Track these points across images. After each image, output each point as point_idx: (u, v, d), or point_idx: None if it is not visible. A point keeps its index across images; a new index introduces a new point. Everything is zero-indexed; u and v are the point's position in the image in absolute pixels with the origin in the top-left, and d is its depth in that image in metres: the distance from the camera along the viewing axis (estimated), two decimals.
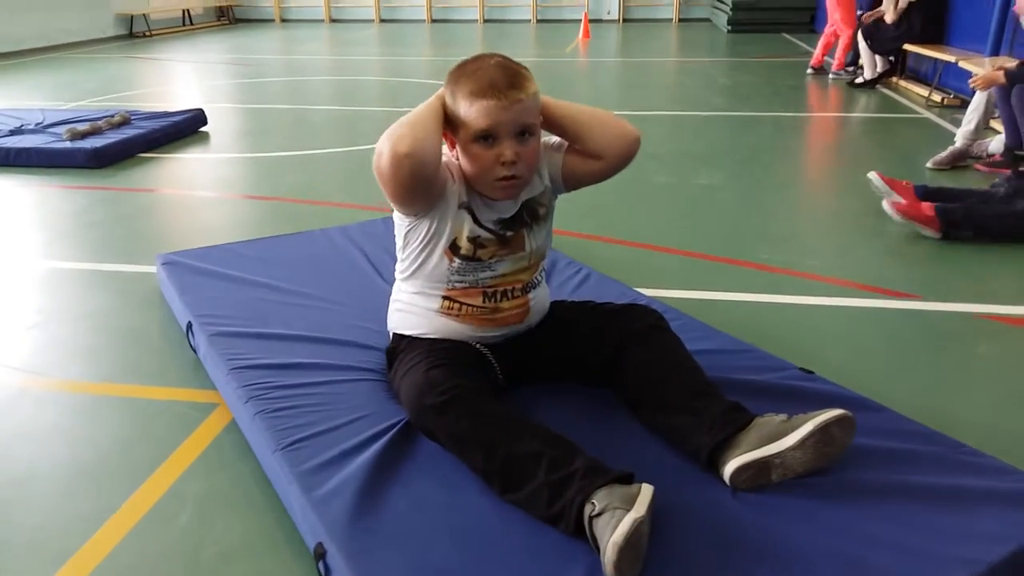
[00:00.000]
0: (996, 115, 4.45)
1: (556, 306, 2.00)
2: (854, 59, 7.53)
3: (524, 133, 1.66)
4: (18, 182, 4.40)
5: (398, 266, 1.89)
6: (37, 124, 5.28)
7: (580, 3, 14.71)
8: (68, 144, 4.72)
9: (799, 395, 1.86)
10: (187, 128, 5.44)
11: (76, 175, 4.48)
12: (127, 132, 5.02)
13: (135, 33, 12.98)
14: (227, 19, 15.76)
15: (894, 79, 7.11)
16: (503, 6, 15.27)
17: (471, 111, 1.63)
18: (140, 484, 1.79)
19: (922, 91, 6.49)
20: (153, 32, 13.18)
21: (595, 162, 1.79)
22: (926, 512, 1.51)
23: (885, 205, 3.30)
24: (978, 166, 4.34)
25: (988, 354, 2.37)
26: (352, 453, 1.67)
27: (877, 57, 7.05)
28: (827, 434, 1.55)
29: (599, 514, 1.37)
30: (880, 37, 6.90)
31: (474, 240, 1.75)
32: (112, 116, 5.31)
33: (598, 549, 1.36)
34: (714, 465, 1.60)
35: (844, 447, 1.60)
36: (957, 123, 4.49)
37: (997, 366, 2.30)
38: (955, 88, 6.16)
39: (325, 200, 3.98)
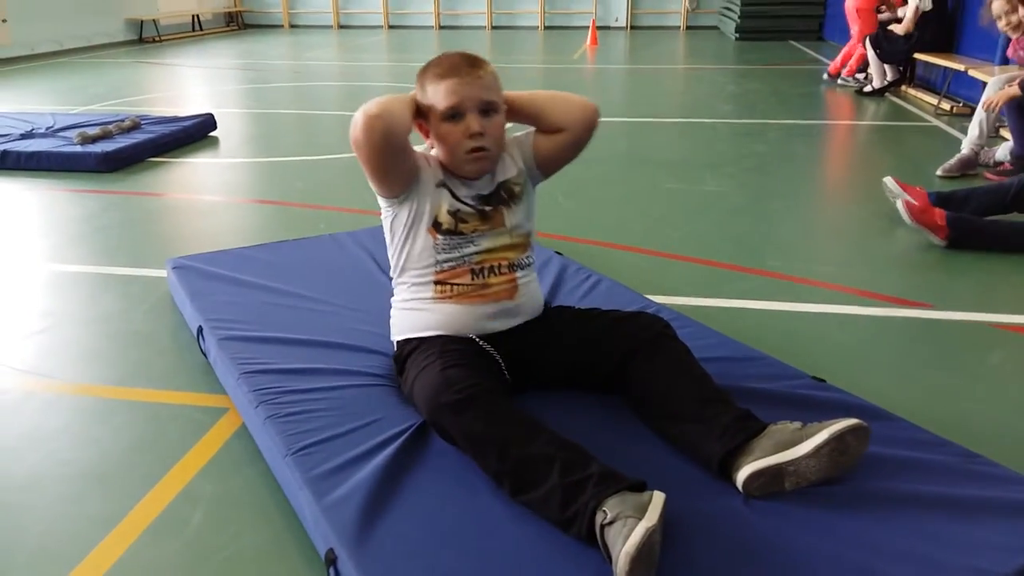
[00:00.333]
0: (1004, 122, 4.43)
1: (561, 310, 2.04)
2: (864, 67, 7.51)
3: (488, 111, 1.80)
4: (29, 185, 4.42)
5: (392, 265, 1.96)
6: (48, 128, 5.31)
7: (588, 10, 14.72)
8: (79, 148, 4.74)
9: (811, 403, 1.86)
10: (197, 133, 5.45)
11: (86, 179, 4.50)
12: (137, 136, 5.04)
13: (145, 38, 13.04)
14: (236, 25, 15.82)
15: (903, 87, 7.10)
16: (511, 12, 15.29)
17: (439, 91, 1.78)
18: (150, 489, 1.79)
19: (931, 99, 6.48)
20: (163, 37, 13.23)
21: (560, 136, 1.92)
22: (937, 522, 1.50)
23: (899, 205, 3.29)
24: (987, 175, 4.33)
25: (1000, 363, 2.36)
26: (363, 458, 1.67)
27: (886, 66, 7.04)
28: (842, 443, 1.54)
29: (611, 522, 1.37)
30: (889, 47, 6.89)
31: (454, 214, 1.85)
32: (122, 120, 5.33)
33: (610, 558, 1.35)
34: (726, 472, 1.60)
35: (858, 456, 1.59)
36: (966, 131, 4.48)
37: (1009, 375, 2.29)
38: (964, 97, 6.15)
39: (334, 205, 3.98)
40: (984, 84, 4.73)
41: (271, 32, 14.93)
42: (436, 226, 1.85)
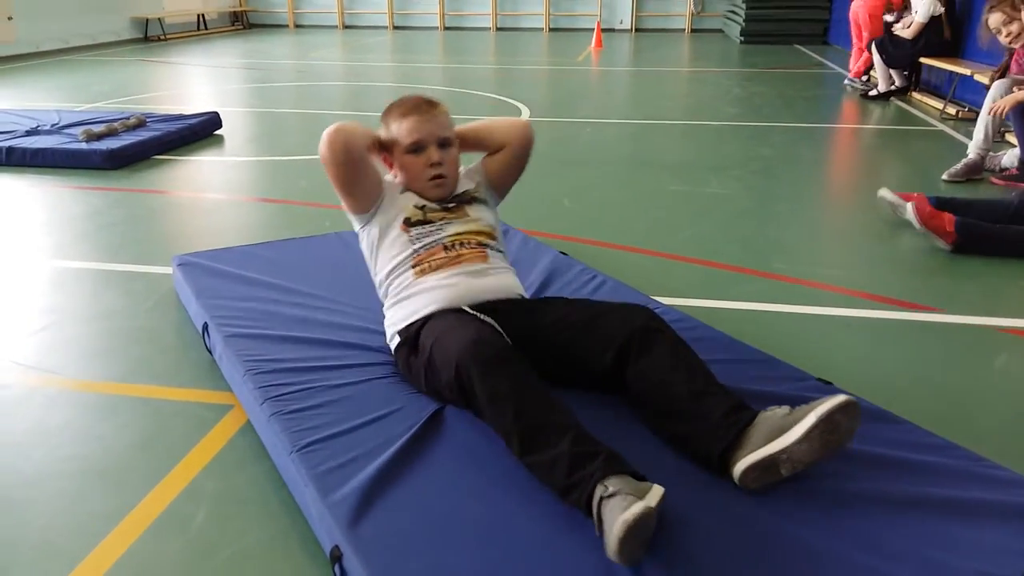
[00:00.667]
0: (1009, 127, 4.43)
1: (550, 298, 2.23)
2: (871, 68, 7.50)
3: (444, 144, 2.10)
4: (34, 182, 4.43)
5: (377, 283, 2.13)
6: (53, 125, 5.31)
7: (592, 12, 14.73)
8: (84, 145, 4.75)
9: None
10: (202, 131, 5.46)
11: (91, 176, 4.51)
12: (142, 134, 5.05)
13: (150, 37, 13.05)
14: (241, 24, 15.84)
15: (909, 92, 7.08)
16: (515, 14, 15.31)
17: (402, 127, 2.09)
18: (154, 485, 1.79)
19: (936, 104, 6.47)
20: (168, 36, 13.25)
21: (503, 153, 2.23)
22: (943, 524, 1.50)
23: (909, 209, 3.28)
24: (994, 180, 4.32)
25: (1006, 367, 2.36)
26: (369, 455, 1.67)
27: (893, 71, 7.03)
28: (831, 423, 1.55)
29: (611, 496, 1.40)
30: (895, 51, 6.89)
31: (422, 208, 2.09)
32: (128, 118, 5.34)
33: (602, 532, 1.39)
34: (723, 468, 1.61)
35: (851, 434, 1.59)
36: (972, 136, 4.47)
37: (1015, 379, 2.29)
38: (970, 101, 6.14)
39: (338, 204, 3.97)
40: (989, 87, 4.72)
41: (276, 32, 14.95)
42: (406, 222, 2.07)
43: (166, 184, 4.44)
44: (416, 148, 2.08)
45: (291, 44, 12.77)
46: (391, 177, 2.18)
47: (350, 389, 1.94)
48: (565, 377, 1.90)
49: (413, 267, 2.03)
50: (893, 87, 7.06)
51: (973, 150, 4.39)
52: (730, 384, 1.77)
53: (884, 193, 3.50)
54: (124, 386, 2.25)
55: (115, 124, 5.15)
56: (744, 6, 12.27)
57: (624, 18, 14.93)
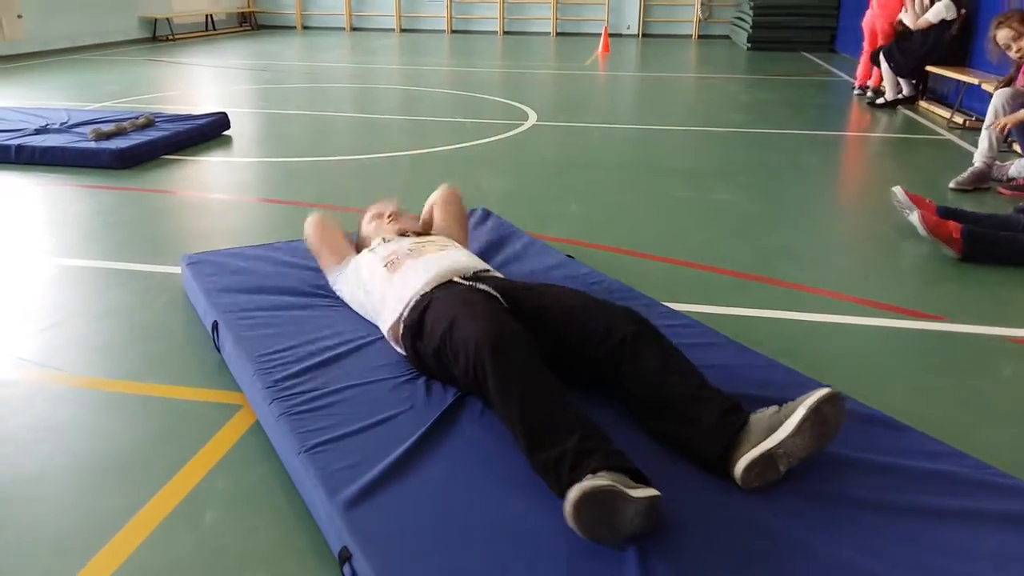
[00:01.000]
0: (1014, 137, 4.43)
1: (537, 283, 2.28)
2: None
3: (399, 215, 2.62)
4: (43, 180, 4.44)
5: (365, 309, 2.33)
6: (62, 124, 5.33)
7: (600, 17, 14.75)
8: (93, 144, 4.77)
9: None
10: (210, 131, 5.48)
11: (100, 175, 4.52)
12: (151, 134, 5.06)
13: (158, 37, 13.09)
14: (249, 25, 15.88)
15: (917, 102, 7.08)
16: (523, 19, 15.33)
17: (366, 217, 2.66)
18: (164, 484, 1.80)
19: (943, 113, 6.47)
20: (176, 36, 13.29)
21: (438, 217, 2.66)
22: (949, 532, 1.51)
23: (915, 217, 3.29)
24: (1001, 190, 4.32)
25: (1014, 376, 2.35)
26: (377, 456, 1.68)
27: (901, 80, 7.03)
28: (820, 415, 1.60)
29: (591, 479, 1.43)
30: (902, 59, 6.88)
31: (384, 238, 2.45)
32: (137, 118, 5.36)
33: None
34: (723, 469, 1.64)
35: (840, 425, 1.65)
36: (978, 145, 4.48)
37: (1023, 388, 2.28)
38: (977, 110, 6.14)
39: (345, 206, 3.99)
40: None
41: (284, 33, 14.99)
42: (371, 249, 2.39)
43: (175, 184, 4.45)
44: (376, 217, 2.60)
45: (299, 46, 12.80)
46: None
47: (359, 389, 1.95)
48: (559, 357, 1.91)
49: (385, 267, 2.25)
50: (900, 95, 7.06)
51: (979, 159, 4.39)
52: (734, 389, 1.79)
53: (897, 191, 3.50)
54: (132, 384, 2.26)
55: (124, 123, 5.17)
56: (751, 13, 12.28)
57: (631, 23, 14.95)
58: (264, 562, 1.57)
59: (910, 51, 6.84)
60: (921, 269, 3.20)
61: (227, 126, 5.66)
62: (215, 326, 2.33)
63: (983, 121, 4.51)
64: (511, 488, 1.60)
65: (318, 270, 2.73)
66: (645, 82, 9.37)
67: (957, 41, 6.67)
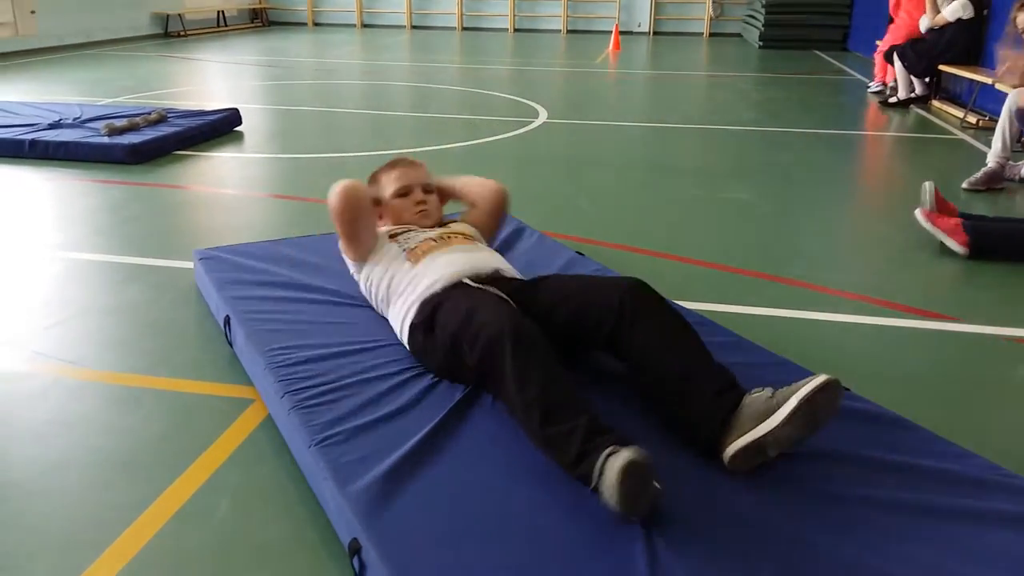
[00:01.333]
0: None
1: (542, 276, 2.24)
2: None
3: (426, 190, 2.46)
4: (56, 175, 4.47)
5: (377, 302, 2.28)
6: (75, 119, 5.36)
7: (611, 15, 14.73)
8: (106, 139, 4.80)
9: None
10: (222, 127, 5.50)
11: (113, 170, 4.55)
12: (164, 129, 5.09)
13: (170, 32, 13.15)
14: (261, 21, 15.92)
15: (930, 101, 7.05)
16: (534, 16, 15.32)
17: (391, 177, 2.46)
18: (177, 477, 1.81)
19: (957, 112, 6.44)
20: (188, 32, 13.34)
21: (477, 212, 2.54)
22: (958, 531, 1.50)
23: (917, 212, 3.30)
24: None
25: None
26: (388, 449, 1.69)
27: (914, 79, 7.00)
28: (812, 404, 1.61)
29: (617, 454, 1.48)
30: (915, 58, 6.85)
31: (403, 223, 2.38)
32: (149, 113, 5.39)
33: (601, 484, 1.48)
34: (713, 450, 1.67)
35: (833, 413, 1.65)
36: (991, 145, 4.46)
37: None
38: (991, 110, 6.11)
39: None
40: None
41: (295, 30, 15.02)
42: (394, 236, 2.31)
43: (187, 179, 4.47)
44: (403, 192, 2.42)
45: (310, 42, 12.83)
46: (383, 229, 2.39)
47: (370, 383, 1.96)
48: (567, 349, 1.95)
49: (407, 260, 2.20)
50: (913, 95, 7.03)
51: (992, 159, 4.38)
52: (747, 387, 1.78)
53: (928, 186, 3.45)
54: (145, 378, 2.27)
55: (137, 119, 5.19)
56: (763, 11, 12.25)
57: (642, 21, 14.93)
58: (276, 553, 1.58)
59: (924, 50, 6.81)
60: (932, 268, 3.19)
61: (239, 122, 5.68)
62: (227, 320, 2.35)
63: (996, 121, 4.49)
64: (521, 481, 1.61)
65: (330, 266, 2.74)
66: (656, 80, 9.36)
67: (971, 40, 6.64)
